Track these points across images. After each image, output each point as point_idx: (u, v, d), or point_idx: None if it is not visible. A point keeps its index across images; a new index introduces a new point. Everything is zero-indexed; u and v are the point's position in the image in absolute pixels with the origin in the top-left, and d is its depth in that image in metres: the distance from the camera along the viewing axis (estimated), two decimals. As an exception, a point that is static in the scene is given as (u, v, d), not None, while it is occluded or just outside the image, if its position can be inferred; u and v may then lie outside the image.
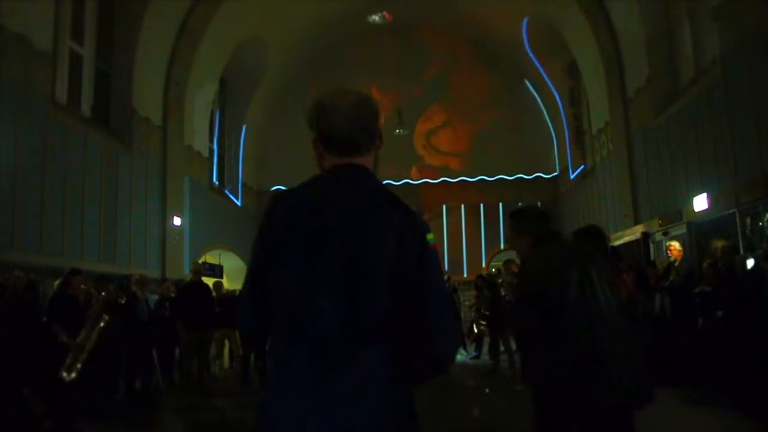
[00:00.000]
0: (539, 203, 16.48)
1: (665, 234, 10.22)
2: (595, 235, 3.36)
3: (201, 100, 14.22)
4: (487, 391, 7.73)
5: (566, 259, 2.61)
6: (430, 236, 1.42)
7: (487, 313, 9.17)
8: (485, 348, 10.47)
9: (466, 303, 13.11)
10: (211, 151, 15.66)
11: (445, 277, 11.21)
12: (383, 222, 1.39)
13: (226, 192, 16.38)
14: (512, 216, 3.03)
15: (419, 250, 1.38)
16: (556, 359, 2.50)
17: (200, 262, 12.31)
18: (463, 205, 18.19)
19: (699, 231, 9.21)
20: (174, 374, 8.92)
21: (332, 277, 1.36)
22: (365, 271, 1.36)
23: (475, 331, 10.25)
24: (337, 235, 1.38)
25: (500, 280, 7.58)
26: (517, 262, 8.57)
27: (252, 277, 1.48)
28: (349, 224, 1.38)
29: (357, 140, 1.49)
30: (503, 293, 7.43)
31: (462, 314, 12.22)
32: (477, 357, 11.11)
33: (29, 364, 5.63)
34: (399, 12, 15.82)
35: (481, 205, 18.10)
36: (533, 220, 2.90)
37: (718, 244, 7.55)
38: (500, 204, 18.00)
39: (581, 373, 2.43)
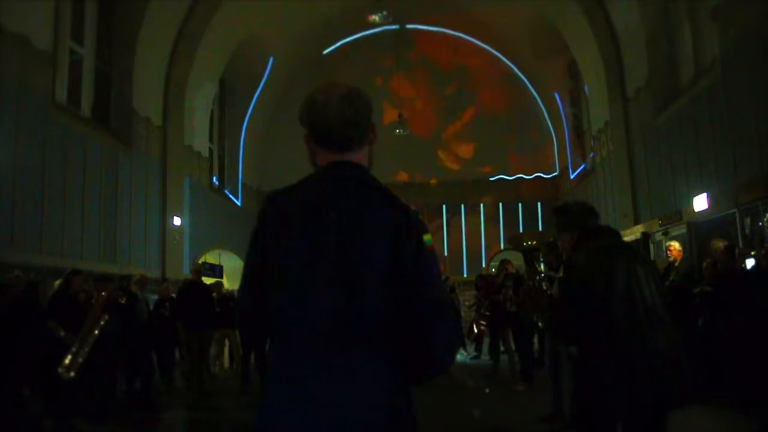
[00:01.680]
0: (539, 203, 16.50)
1: (665, 234, 10.21)
2: (612, 236, 3.39)
3: (201, 100, 14.22)
4: (487, 391, 7.72)
5: (613, 255, 2.58)
6: (427, 237, 1.40)
7: (487, 313, 9.16)
8: (485, 348, 10.46)
9: (466, 303, 13.10)
10: (211, 151, 15.67)
11: (444, 277, 11.21)
12: (380, 222, 1.38)
13: (226, 192, 16.38)
14: (557, 212, 3.00)
15: (416, 251, 1.37)
16: (600, 355, 2.47)
17: (200, 262, 12.31)
18: (463, 205, 18.18)
19: (699, 231, 9.21)
20: (174, 374, 8.92)
21: (329, 278, 1.35)
22: (362, 271, 1.35)
23: (475, 331, 10.23)
24: (333, 235, 1.37)
25: (542, 275, 7.42)
26: (514, 264, 8.58)
27: (249, 279, 1.47)
28: (345, 224, 1.37)
29: (349, 135, 1.47)
30: (545, 287, 7.27)
31: (462, 314, 12.20)
32: (477, 357, 11.11)
33: (29, 364, 5.62)
34: (399, 12, 15.81)
35: (482, 205, 18.10)
36: (578, 216, 2.86)
37: (719, 244, 7.54)
38: (500, 204, 18.00)
39: (626, 370, 2.39)
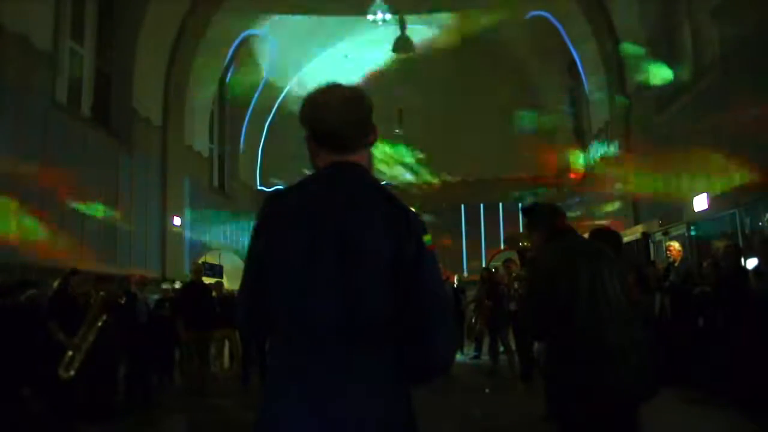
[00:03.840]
0: (537, 203, 16.47)
1: (665, 234, 10.21)
2: (609, 236, 3.41)
3: (201, 100, 14.21)
4: (487, 391, 7.72)
5: (577, 255, 2.62)
6: (427, 237, 1.41)
7: (489, 303, 9.10)
8: (485, 348, 10.46)
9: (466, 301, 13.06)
10: (211, 151, 15.67)
11: (454, 278, 11.21)
12: (380, 222, 1.38)
13: (226, 192, 16.38)
14: (526, 212, 3.05)
15: (416, 251, 1.37)
16: (564, 355, 2.52)
17: (200, 262, 12.31)
18: (463, 205, 18.18)
19: (699, 231, 9.21)
20: (174, 374, 8.92)
21: (330, 277, 1.35)
22: (363, 271, 1.35)
23: (473, 322, 10.16)
24: (334, 235, 1.37)
25: (514, 274, 7.44)
26: (517, 261, 8.56)
27: (250, 279, 1.48)
28: (345, 225, 1.38)
29: (349, 136, 1.48)
30: (517, 286, 7.28)
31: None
32: (477, 357, 11.09)
33: (29, 364, 5.62)
34: (399, 11, 15.81)
35: (481, 205, 18.10)
36: (546, 216, 2.90)
37: (720, 244, 7.55)
38: (500, 204, 18.00)
39: (588, 370, 2.44)
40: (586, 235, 3.51)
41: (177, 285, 9.54)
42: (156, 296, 8.99)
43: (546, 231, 2.83)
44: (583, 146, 16.02)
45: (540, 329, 2.75)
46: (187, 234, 13.22)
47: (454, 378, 8.47)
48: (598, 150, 14.01)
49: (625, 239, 11.40)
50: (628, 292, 2.65)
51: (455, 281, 11.02)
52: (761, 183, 7.42)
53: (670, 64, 10.67)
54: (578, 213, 15.42)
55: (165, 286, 9.97)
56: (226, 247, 15.32)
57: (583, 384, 2.46)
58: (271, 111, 18.02)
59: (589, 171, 15.20)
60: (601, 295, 2.50)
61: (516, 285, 7.28)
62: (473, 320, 10.12)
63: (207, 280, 9.67)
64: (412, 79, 17.32)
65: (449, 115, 17.94)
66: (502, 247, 17.01)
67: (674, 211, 9.95)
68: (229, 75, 15.77)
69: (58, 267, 7.70)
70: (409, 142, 16.42)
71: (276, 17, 14.64)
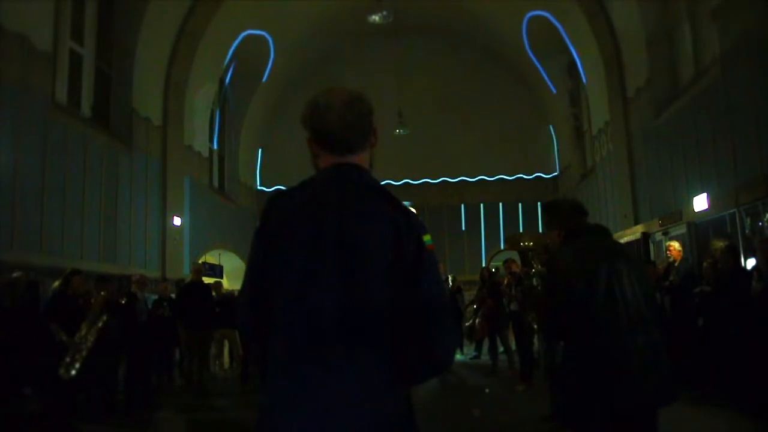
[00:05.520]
0: (539, 203, 16.48)
1: (665, 234, 10.22)
2: (600, 234, 3.39)
3: (201, 100, 14.22)
4: (487, 391, 7.73)
5: (595, 254, 2.57)
6: (427, 237, 1.42)
7: (491, 303, 9.07)
8: (485, 348, 10.46)
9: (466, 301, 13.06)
10: (211, 151, 15.67)
11: (450, 278, 11.21)
12: (380, 223, 1.39)
13: (226, 192, 16.39)
14: (545, 209, 3.03)
15: (416, 252, 1.38)
16: (582, 357, 2.48)
17: (200, 262, 12.32)
18: (463, 205, 18.19)
19: (699, 231, 9.21)
20: (174, 374, 8.92)
21: (330, 278, 1.36)
22: (362, 272, 1.36)
23: (476, 322, 10.13)
24: (335, 236, 1.38)
25: (533, 270, 7.36)
26: (517, 261, 8.55)
27: (250, 279, 1.49)
28: (346, 225, 1.39)
29: (350, 138, 1.49)
30: (536, 283, 7.20)
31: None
32: (477, 357, 11.10)
33: (29, 364, 5.62)
34: (399, 11, 15.81)
35: (481, 205, 18.11)
36: (565, 214, 2.84)
37: (719, 244, 7.55)
38: (500, 204, 18.01)
39: (605, 371, 2.41)
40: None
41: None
42: (155, 296, 9.00)
43: (564, 229, 2.78)
44: (583, 146, 16.03)
45: (558, 330, 2.71)
46: (187, 234, 13.22)
47: (454, 378, 8.49)
48: (598, 150, 14.02)
49: (626, 239, 11.41)
50: (648, 289, 2.59)
51: (450, 281, 11.01)
52: (761, 183, 7.43)
53: (670, 64, 10.68)
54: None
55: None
56: (226, 247, 15.32)
57: (598, 387, 2.42)
58: (271, 111, 18.02)
59: (589, 171, 15.21)
60: (618, 296, 2.46)
61: (534, 282, 7.17)
62: (475, 320, 10.11)
63: (207, 280, 9.68)
64: (412, 79, 17.35)
65: (449, 115, 17.95)
66: (502, 247, 17.01)
67: (674, 211, 9.96)
68: (229, 75, 15.76)
69: (58, 267, 7.72)
70: (409, 143, 16.38)
71: (276, 17, 14.63)
